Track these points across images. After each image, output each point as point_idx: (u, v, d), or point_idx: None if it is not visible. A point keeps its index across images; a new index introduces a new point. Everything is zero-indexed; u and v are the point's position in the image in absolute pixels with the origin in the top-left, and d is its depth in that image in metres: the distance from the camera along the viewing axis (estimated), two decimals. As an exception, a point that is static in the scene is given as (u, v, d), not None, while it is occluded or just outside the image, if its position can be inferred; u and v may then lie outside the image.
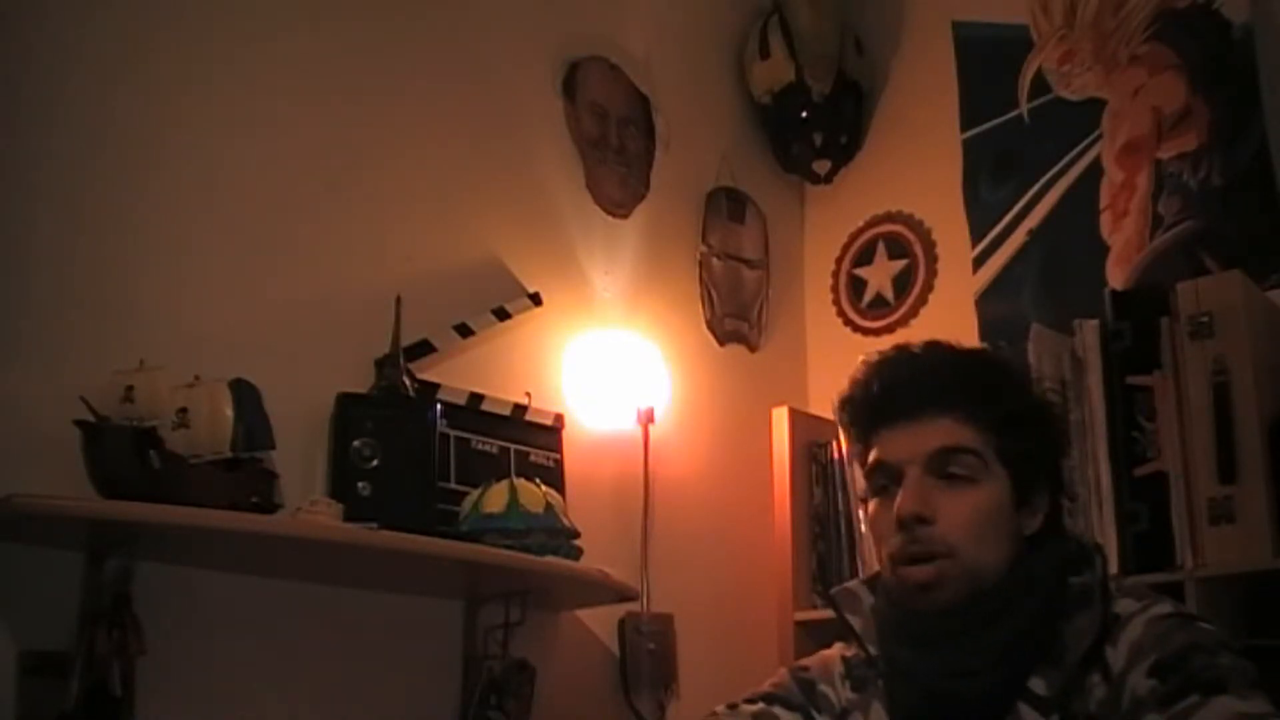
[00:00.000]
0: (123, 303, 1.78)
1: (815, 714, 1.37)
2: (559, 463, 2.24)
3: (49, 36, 1.77)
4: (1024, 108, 2.63)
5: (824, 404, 2.50)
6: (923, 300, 2.72)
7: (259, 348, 1.87)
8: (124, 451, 1.57)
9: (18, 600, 1.61)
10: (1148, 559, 1.93)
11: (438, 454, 2.02)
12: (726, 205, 2.78)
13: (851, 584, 1.43)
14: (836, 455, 2.39)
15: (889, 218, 2.82)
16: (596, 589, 2.08)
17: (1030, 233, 2.57)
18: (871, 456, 1.32)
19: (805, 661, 1.44)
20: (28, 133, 1.74)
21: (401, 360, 2.01)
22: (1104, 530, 1.98)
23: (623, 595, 2.15)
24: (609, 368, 2.41)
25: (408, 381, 2.00)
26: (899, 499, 1.27)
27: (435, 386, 2.09)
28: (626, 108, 2.61)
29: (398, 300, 2.02)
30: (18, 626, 1.60)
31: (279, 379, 1.81)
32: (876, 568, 1.36)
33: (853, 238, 2.87)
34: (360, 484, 1.89)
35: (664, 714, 2.35)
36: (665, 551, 2.39)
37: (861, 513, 2.25)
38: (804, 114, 2.79)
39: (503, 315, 2.24)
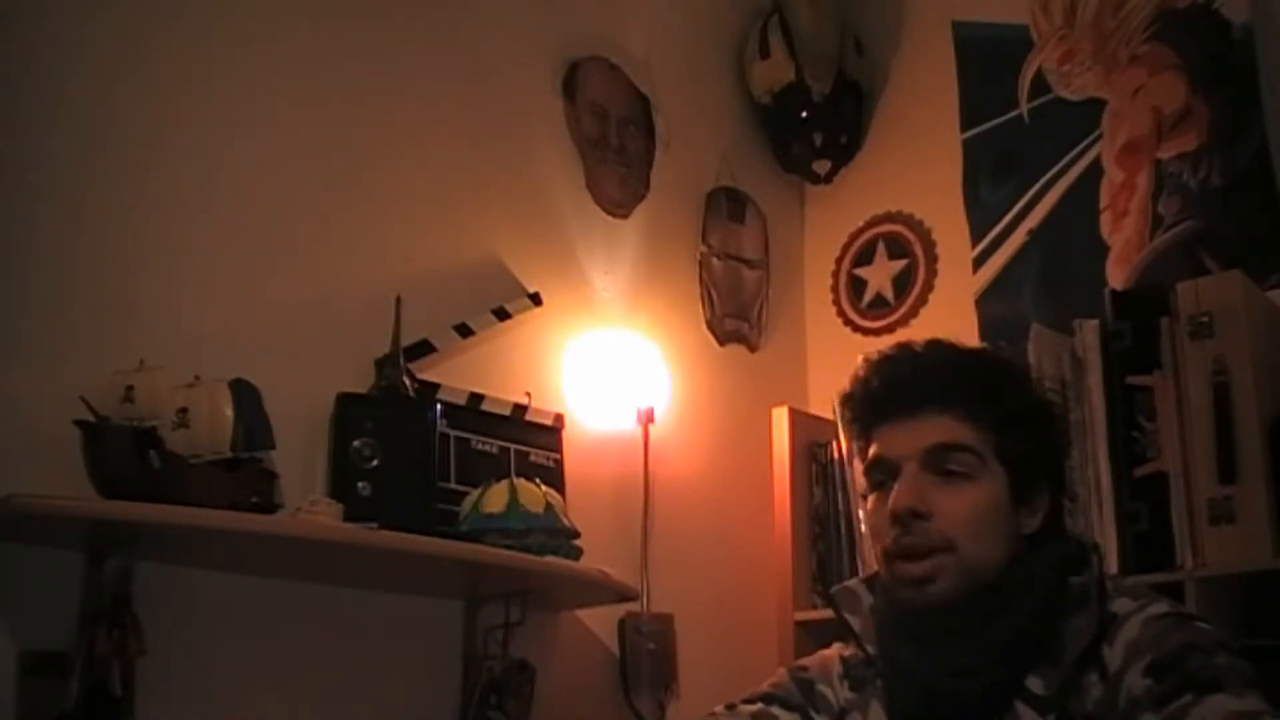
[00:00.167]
0: (123, 303, 1.78)
1: (813, 714, 1.37)
2: (559, 463, 2.24)
3: (49, 36, 1.77)
4: (1024, 108, 2.63)
5: (824, 404, 2.50)
6: (923, 300, 2.72)
7: (259, 348, 1.87)
8: (124, 451, 1.57)
9: (18, 600, 1.61)
10: (1148, 559, 1.93)
11: (438, 454, 2.02)
12: (726, 205, 2.78)
13: (851, 583, 1.43)
14: (836, 455, 2.39)
15: (889, 218, 2.82)
16: (596, 589, 2.08)
17: (1030, 233, 2.57)
18: (870, 452, 1.33)
19: (804, 661, 1.45)
20: (28, 133, 1.74)
21: (401, 360, 2.00)
22: (1104, 530, 1.98)
23: (623, 595, 2.15)
24: (609, 368, 2.41)
25: (408, 381, 2.00)
26: (894, 494, 1.28)
27: (435, 386, 2.09)
28: (626, 108, 2.61)
29: (398, 300, 2.02)
30: (18, 626, 1.60)
31: (279, 379, 1.81)
32: (876, 567, 1.37)
33: (853, 238, 2.87)
34: (360, 484, 1.89)
35: (664, 714, 2.35)
36: (665, 551, 2.39)
37: (862, 511, 2.26)
38: (804, 114, 2.79)
39: (503, 315, 2.24)
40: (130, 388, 1.61)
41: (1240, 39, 2.33)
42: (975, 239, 2.64)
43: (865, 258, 2.85)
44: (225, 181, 1.93)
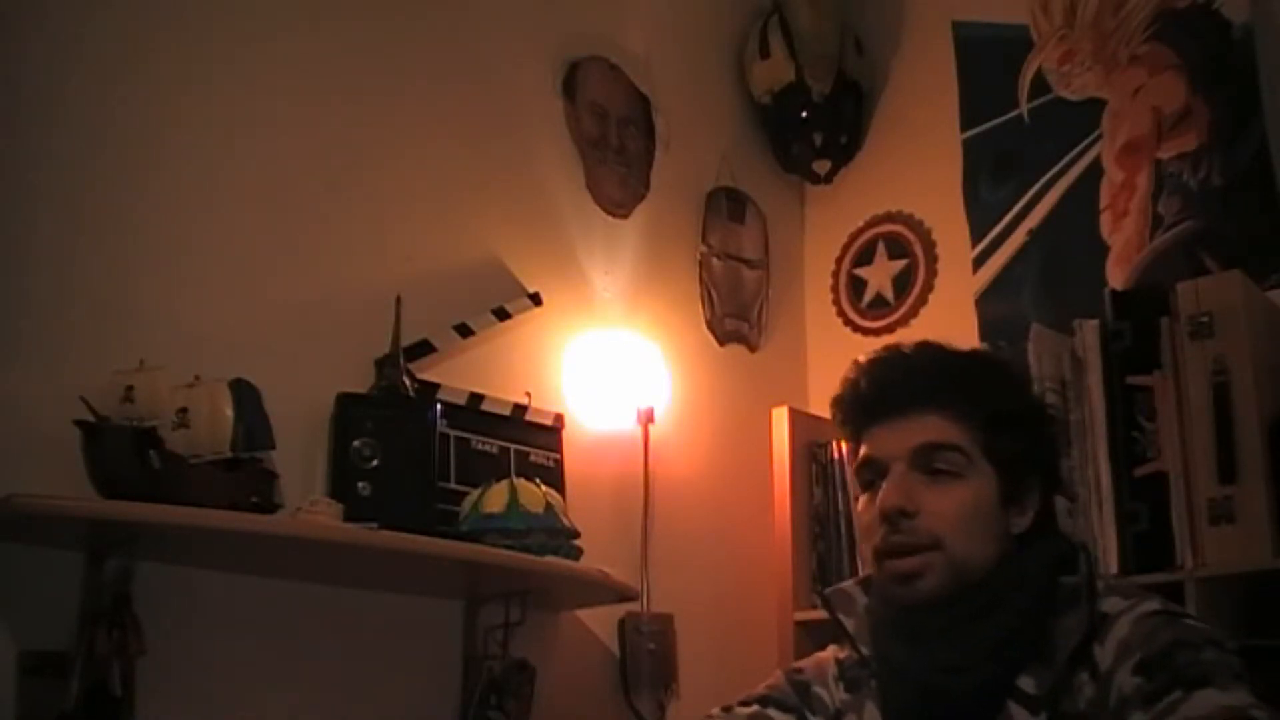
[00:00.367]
0: (123, 303, 1.78)
1: (810, 716, 1.38)
2: (559, 463, 2.24)
3: (49, 36, 1.77)
4: (1024, 108, 2.63)
5: (824, 404, 2.46)
6: (923, 300, 2.72)
7: (259, 348, 1.87)
8: (124, 451, 1.57)
9: (18, 600, 1.61)
10: (1148, 559, 1.93)
11: (438, 454, 2.02)
12: (726, 205, 2.78)
13: (845, 585, 1.43)
14: (836, 455, 2.39)
15: (889, 218, 2.82)
16: (596, 589, 2.08)
17: (1030, 233, 2.57)
18: (861, 453, 1.34)
19: (800, 663, 1.45)
20: (28, 133, 1.74)
21: (401, 360, 2.00)
22: (1104, 530, 1.98)
23: (623, 595, 2.15)
24: (609, 368, 2.41)
25: (408, 381, 2.00)
26: (882, 492, 1.29)
27: (435, 386, 2.09)
28: (626, 108, 2.61)
29: (398, 300, 2.02)
30: (18, 626, 1.60)
31: (279, 379, 1.81)
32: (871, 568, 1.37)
33: (853, 238, 2.88)
34: (360, 484, 1.89)
35: (664, 714, 2.35)
36: (665, 551, 2.39)
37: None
38: (804, 114, 2.79)
39: (503, 315, 2.24)
40: (130, 388, 1.61)
41: (1240, 39, 2.33)
42: (975, 239, 2.64)
43: (865, 258, 2.85)
44: (225, 181, 1.93)
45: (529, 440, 2.21)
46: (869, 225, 2.85)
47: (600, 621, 2.29)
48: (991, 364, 1.42)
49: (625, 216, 2.57)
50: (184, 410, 1.66)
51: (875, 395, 1.34)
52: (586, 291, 2.46)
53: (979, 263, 2.63)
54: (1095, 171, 2.49)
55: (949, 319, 2.59)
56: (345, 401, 1.96)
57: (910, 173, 2.81)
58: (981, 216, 2.64)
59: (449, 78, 2.30)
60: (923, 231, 2.76)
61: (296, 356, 1.93)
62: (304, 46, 2.08)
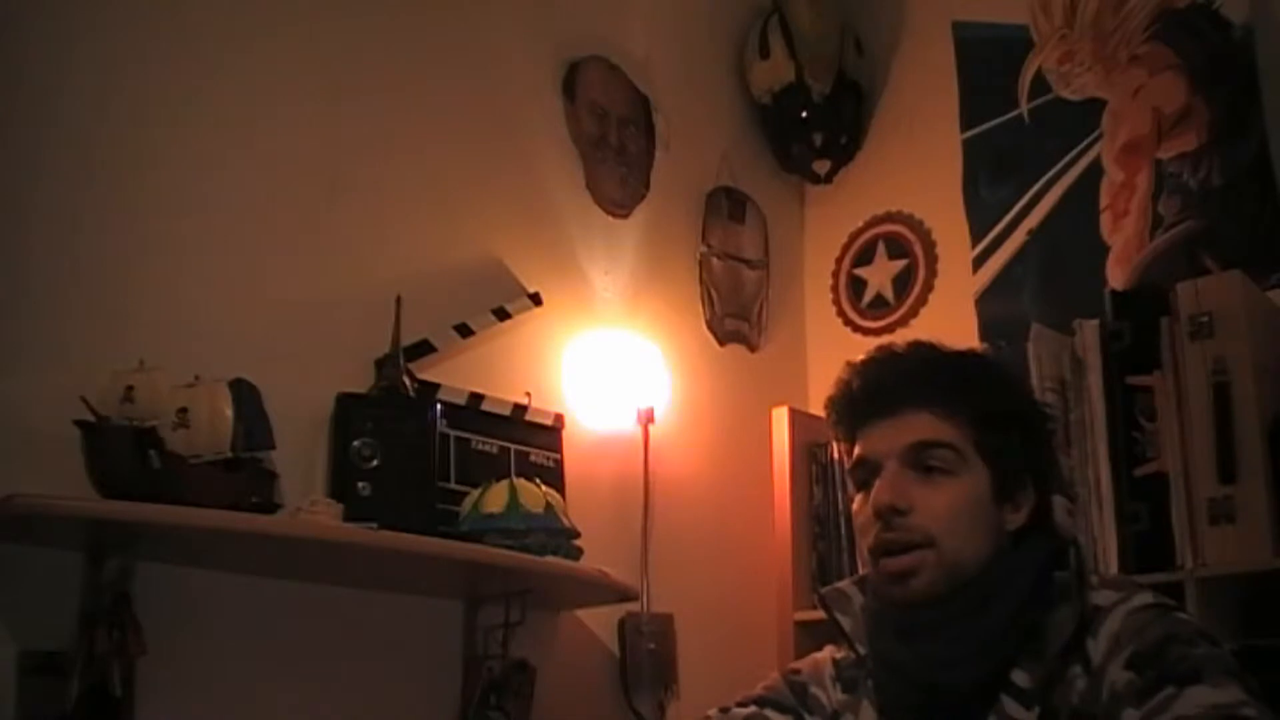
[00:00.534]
0: (123, 303, 1.78)
1: (807, 716, 1.38)
2: (559, 463, 2.24)
3: (49, 36, 1.77)
4: (1024, 108, 2.63)
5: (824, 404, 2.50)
6: (923, 300, 2.72)
7: (259, 348, 1.87)
8: (124, 451, 1.57)
9: (18, 600, 1.61)
10: (1148, 559, 1.93)
11: (438, 454, 2.02)
12: (726, 205, 2.78)
13: (842, 584, 1.44)
14: (836, 455, 2.38)
15: (889, 218, 2.82)
16: (596, 589, 2.08)
17: (1030, 233, 2.57)
18: (855, 453, 1.35)
19: (797, 664, 1.46)
20: (28, 132, 1.73)
21: (401, 360, 2.00)
22: (1104, 530, 1.98)
23: (623, 595, 2.15)
24: (609, 368, 2.41)
25: (408, 381, 2.00)
26: (875, 490, 1.29)
27: (435, 386, 2.09)
28: (626, 108, 2.61)
29: (398, 300, 2.02)
30: (18, 626, 1.60)
31: (279, 379, 1.81)
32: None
33: (853, 238, 2.88)
34: (360, 484, 1.89)
35: (664, 714, 2.35)
36: (665, 551, 2.39)
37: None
38: (804, 114, 2.79)
39: (503, 315, 2.24)
40: (130, 388, 1.60)
41: (1240, 39, 2.33)
42: (975, 239, 2.64)
43: (865, 258, 2.85)
44: (225, 181, 1.93)
45: (529, 440, 2.21)
46: (869, 225, 2.85)
47: (600, 621, 2.29)
48: (983, 362, 1.42)
49: (625, 216, 2.57)
50: (184, 410, 1.65)
51: (868, 395, 1.35)
52: (586, 291, 2.46)
53: (979, 263, 2.63)
54: (1095, 171, 2.49)
55: (949, 319, 2.59)
56: (345, 401, 1.96)
57: (910, 173, 2.81)
58: (981, 216, 2.65)
59: (449, 78, 2.30)
60: (923, 231, 2.76)
61: (296, 356, 1.93)
62: (304, 46, 2.08)
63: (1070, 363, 2.08)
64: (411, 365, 2.04)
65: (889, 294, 2.78)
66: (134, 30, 1.87)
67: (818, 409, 2.57)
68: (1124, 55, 2.49)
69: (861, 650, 1.36)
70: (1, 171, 1.69)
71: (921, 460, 1.29)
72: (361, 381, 1.99)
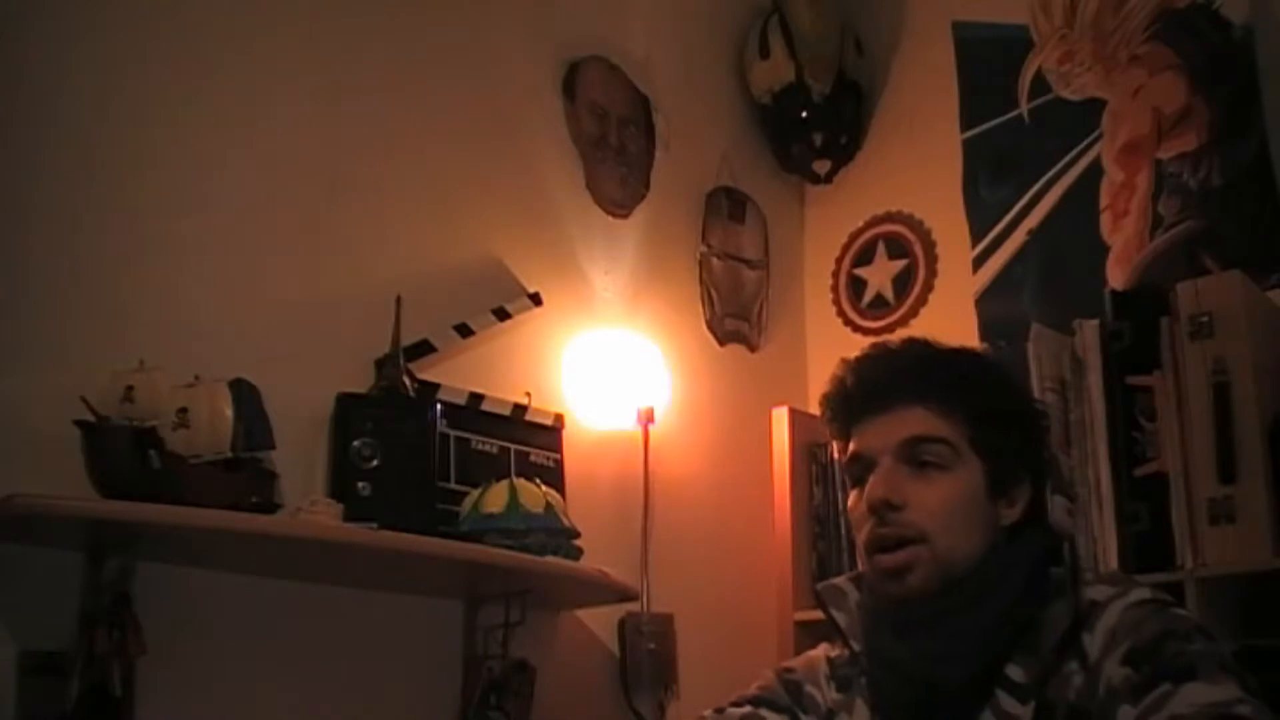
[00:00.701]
0: (123, 303, 1.78)
1: (801, 715, 1.38)
2: (559, 463, 2.24)
3: (49, 36, 1.77)
4: (1024, 108, 2.63)
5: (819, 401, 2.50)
6: (923, 300, 2.72)
7: (259, 348, 1.87)
8: (124, 451, 1.57)
9: (18, 600, 1.61)
10: (1148, 559, 1.93)
11: (438, 454, 2.02)
12: (726, 205, 2.78)
13: (838, 580, 1.44)
14: (836, 455, 2.37)
15: (889, 218, 2.82)
16: (596, 589, 2.08)
17: (1030, 233, 2.57)
18: (849, 449, 1.35)
19: (790, 663, 1.46)
20: (28, 132, 1.73)
21: (401, 360, 2.00)
22: (1104, 530, 1.98)
23: (623, 595, 2.15)
24: (609, 368, 2.41)
25: (408, 381, 2.00)
26: (869, 485, 1.30)
27: (435, 386, 2.09)
28: (626, 108, 2.61)
29: (398, 300, 2.02)
30: (18, 626, 1.60)
31: (279, 379, 1.81)
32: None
33: (853, 238, 2.88)
34: (360, 484, 1.89)
35: (664, 714, 2.35)
36: (665, 551, 2.39)
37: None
38: (804, 114, 2.79)
39: (503, 315, 2.24)
40: (130, 388, 1.60)
41: (1240, 39, 2.33)
42: (975, 239, 2.64)
43: (865, 258, 2.85)
44: (225, 181, 1.93)
45: (529, 440, 2.21)
46: (869, 225, 2.85)
47: (600, 621, 2.29)
48: (977, 359, 1.43)
49: (625, 216, 2.57)
50: (184, 410, 1.65)
51: (862, 391, 1.35)
52: (586, 291, 2.46)
53: (979, 263, 2.63)
54: (1095, 171, 2.49)
55: (949, 319, 2.59)
56: (345, 401, 1.96)
57: (910, 173, 2.81)
58: (981, 216, 2.65)
59: (449, 78, 2.30)
60: (923, 231, 2.76)
61: (296, 356, 1.93)
62: (304, 46, 2.08)
63: (1070, 363, 2.08)
64: (411, 365, 2.04)
65: (889, 294, 2.78)
66: (134, 30, 1.87)
67: (817, 409, 2.59)
68: (1124, 55, 2.49)
69: (856, 647, 1.36)
70: (1, 171, 1.69)
71: (916, 455, 1.29)
72: (361, 381, 1.99)
